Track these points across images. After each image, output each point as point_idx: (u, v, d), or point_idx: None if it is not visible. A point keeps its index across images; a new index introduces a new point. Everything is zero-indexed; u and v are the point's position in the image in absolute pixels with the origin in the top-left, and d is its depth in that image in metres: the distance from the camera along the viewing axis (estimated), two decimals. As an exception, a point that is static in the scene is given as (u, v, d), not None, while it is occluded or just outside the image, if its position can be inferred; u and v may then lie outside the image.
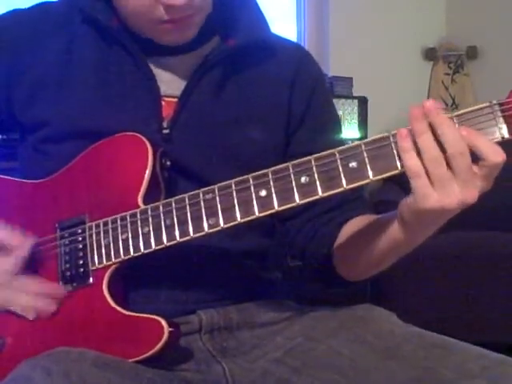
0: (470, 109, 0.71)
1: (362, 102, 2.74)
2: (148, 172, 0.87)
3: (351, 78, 2.83)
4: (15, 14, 1.01)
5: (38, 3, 1.02)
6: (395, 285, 2.36)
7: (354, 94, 2.80)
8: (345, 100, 2.72)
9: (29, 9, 1.01)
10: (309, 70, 1.04)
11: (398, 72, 3.23)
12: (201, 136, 0.94)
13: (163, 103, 0.94)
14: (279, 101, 0.99)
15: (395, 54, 3.24)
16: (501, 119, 0.70)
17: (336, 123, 1.07)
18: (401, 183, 3.10)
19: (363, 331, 0.89)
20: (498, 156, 0.70)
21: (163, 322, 0.81)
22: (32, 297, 0.86)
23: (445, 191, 0.71)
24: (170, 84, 0.95)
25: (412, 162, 0.72)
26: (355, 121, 2.73)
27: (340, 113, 2.69)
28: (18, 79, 0.96)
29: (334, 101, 2.98)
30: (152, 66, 0.94)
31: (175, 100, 0.94)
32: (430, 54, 3.37)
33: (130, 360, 0.80)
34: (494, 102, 0.70)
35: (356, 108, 2.73)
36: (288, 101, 1.00)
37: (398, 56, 3.25)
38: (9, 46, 0.97)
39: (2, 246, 0.87)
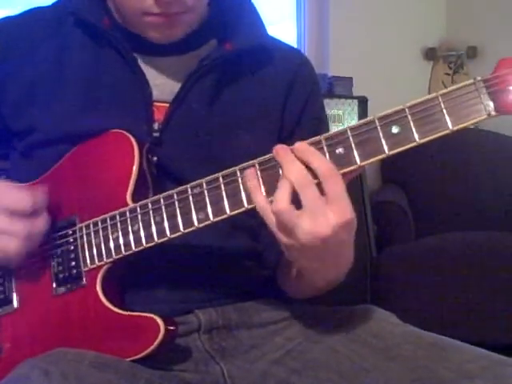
0: (454, 87, 0.69)
1: (362, 102, 2.74)
2: (135, 168, 0.86)
3: (351, 78, 2.83)
4: (6, 20, 1.00)
5: (28, 9, 1.01)
6: (395, 285, 2.36)
7: (354, 94, 2.80)
8: (345, 100, 2.72)
9: (19, 15, 1.01)
10: (305, 77, 1.04)
11: (398, 72, 3.23)
12: (191, 141, 0.93)
13: (154, 108, 0.93)
14: (273, 108, 0.99)
15: (395, 54, 3.23)
16: (486, 96, 0.68)
17: (326, 131, 1.06)
18: (401, 183, 3.10)
19: (363, 331, 0.89)
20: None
21: (159, 321, 0.81)
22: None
23: (317, 218, 0.72)
24: (162, 87, 0.94)
25: (259, 198, 0.75)
26: (355, 121, 2.73)
27: (340, 113, 2.70)
28: (10, 85, 0.95)
29: (334, 101, 2.98)
30: (145, 67, 0.94)
31: (167, 105, 0.93)
32: (430, 54, 3.37)
33: (128, 359, 0.80)
34: (479, 78, 0.68)
35: (356, 108, 2.73)
36: (282, 107, 0.99)
37: (398, 56, 3.25)
38: (0, 52, 0.96)
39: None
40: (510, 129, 2.92)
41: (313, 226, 0.71)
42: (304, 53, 1.14)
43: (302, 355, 0.89)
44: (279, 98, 0.99)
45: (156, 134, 0.92)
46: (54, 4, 1.02)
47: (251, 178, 0.76)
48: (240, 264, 0.97)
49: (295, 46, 3.00)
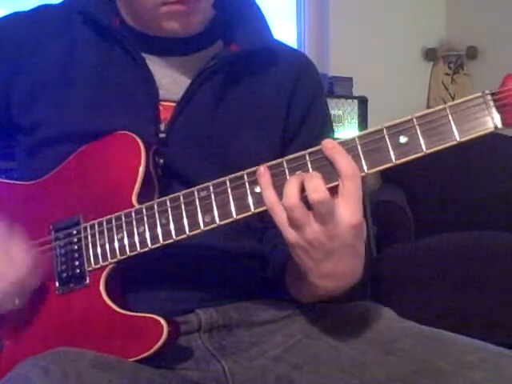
0: (462, 99, 0.71)
1: (362, 102, 2.75)
2: (141, 170, 0.86)
3: (351, 78, 2.83)
4: (15, 16, 1.01)
5: (38, 5, 1.02)
6: (395, 285, 2.36)
7: (354, 94, 2.80)
8: (345, 100, 2.72)
9: (29, 11, 1.01)
10: (309, 79, 1.04)
11: (398, 72, 3.23)
12: (197, 141, 0.94)
13: (161, 107, 0.94)
14: (278, 109, 1.00)
15: (395, 54, 3.24)
16: (493, 109, 0.69)
17: (331, 134, 1.07)
18: (400, 183, 3.10)
19: (362, 327, 0.89)
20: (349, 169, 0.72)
21: (162, 321, 0.81)
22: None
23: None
24: (169, 87, 0.95)
25: (270, 194, 0.75)
26: (355, 121, 2.73)
27: (340, 113, 2.70)
28: (18, 81, 0.96)
29: (334, 101, 2.98)
30: (153, 67, 0.94)
31: (173, 104, 0.94)
32: (430, 54, 3.37)
33: (129, 360, 0.80)
34: (487, 91, 0.70)
35: (356, 108, 2.73)
36: (286, 110, 1.00)
37: (398, 56, 3.26)
38: (8, 48, 0.97)
39: None
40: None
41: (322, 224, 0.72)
42: (304, 53, 1.15)
43: (302, 352, 0.90)
44: (283, 99, 1.00)
45: (162, 135, 0.92)
46: (62, 2, 1.02)
47: (263, 175, 0.75)
48: (241, 264, 0.98)
49: (295, 46, 3.01)
